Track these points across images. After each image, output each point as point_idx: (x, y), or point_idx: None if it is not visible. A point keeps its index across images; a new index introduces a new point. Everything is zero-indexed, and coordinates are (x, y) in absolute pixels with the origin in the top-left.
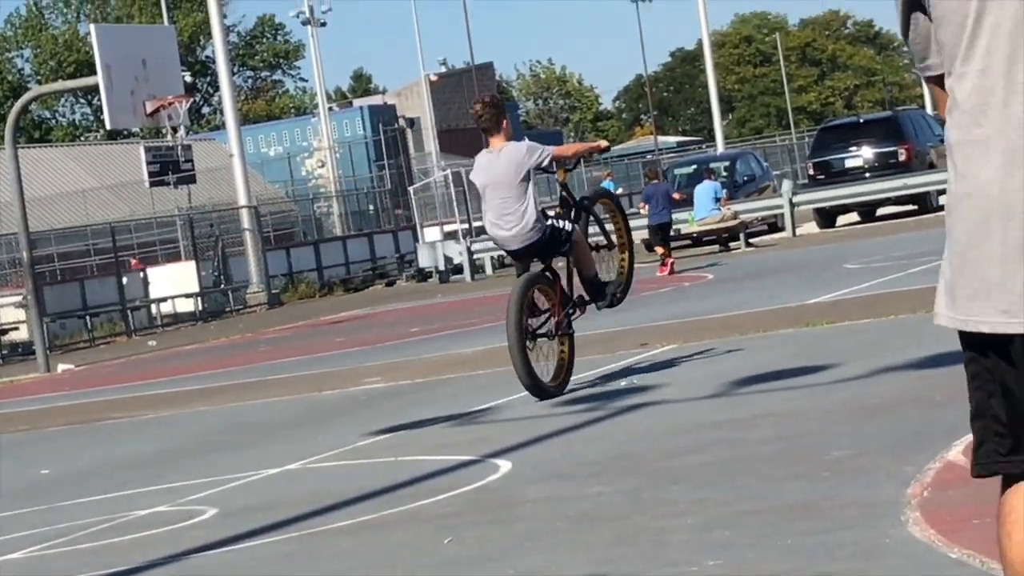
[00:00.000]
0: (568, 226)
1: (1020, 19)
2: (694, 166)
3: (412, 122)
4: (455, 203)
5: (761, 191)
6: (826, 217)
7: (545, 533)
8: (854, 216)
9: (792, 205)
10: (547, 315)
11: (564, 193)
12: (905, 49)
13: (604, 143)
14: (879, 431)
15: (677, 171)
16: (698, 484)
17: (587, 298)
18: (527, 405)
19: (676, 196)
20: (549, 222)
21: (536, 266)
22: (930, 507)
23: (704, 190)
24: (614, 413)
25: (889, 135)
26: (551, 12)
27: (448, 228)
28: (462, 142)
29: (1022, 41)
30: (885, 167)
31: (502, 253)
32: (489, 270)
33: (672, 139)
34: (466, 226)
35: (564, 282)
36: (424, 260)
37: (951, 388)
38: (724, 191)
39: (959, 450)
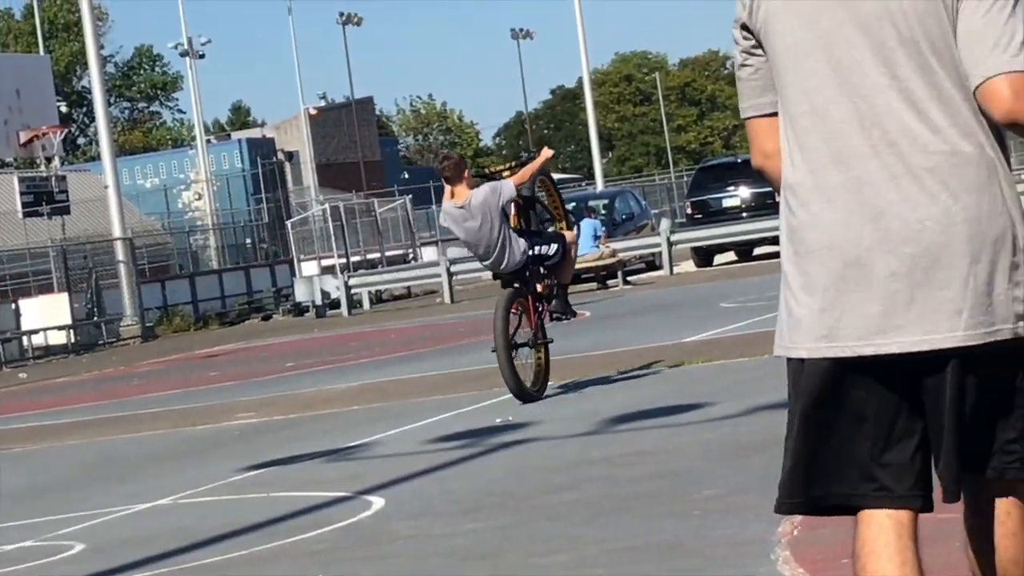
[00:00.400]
0: (552, 250)
1: (839, 63)
2: (573, 204)
3: (291, 156)
4: (333, 237)
5: (640, 229)
6: (703, 256)
7: (417, 570)
8: (731, 255)
9: (670, 244)
10: (523, 326)
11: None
12: None
13: (550, 151)
14: (751, 470)
15: None
16: (571, 522)
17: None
18: (400, 442)
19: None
20: (533, 250)
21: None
22: (800, 546)
23: (583, 228)
24: (489, 450)
25: None
26: (432, 48)
27: (326, 262)
28: (341, 176)
29: (841, 78)
30: (762, 207)
31: (380, 288)
32: (366, 305)
33: (553, 176)
34: (343, 260)
35: (533, 297)
36: (301, 294)
37: None
38: (603, 229)
39: None
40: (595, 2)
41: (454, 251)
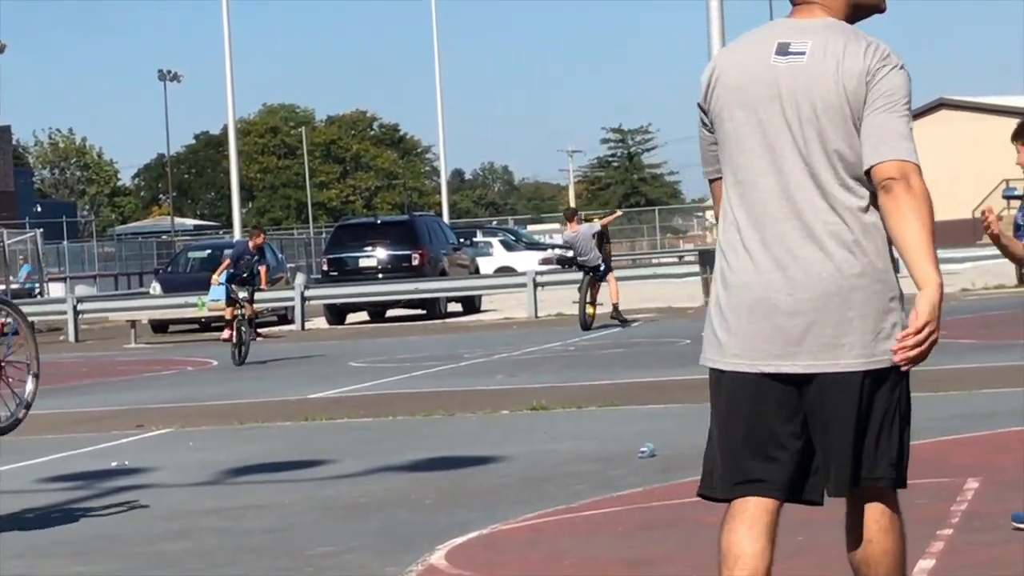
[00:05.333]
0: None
1: (770, 147)
2: (208, 251)
3: None
4: None
5: (274, 282)
6: (336, 313)
7: None
8: (364, 315)
9: (304, 299)
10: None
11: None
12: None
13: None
14: (367, 530)
15: (191, 254)
16: (181, 570)
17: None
18: (12, 479)
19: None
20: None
21: None
22: None
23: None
24: (102, 493)
25: (404, 239)
26: (76, 81)
27: None
28: None
29: (769, 158)
30: (398, 269)
31: None
32: None
33: (190, 221)
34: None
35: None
36: None
37: (442, 491)
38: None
39: (442, 554)
40: (246, 50)
41: (82, 289)
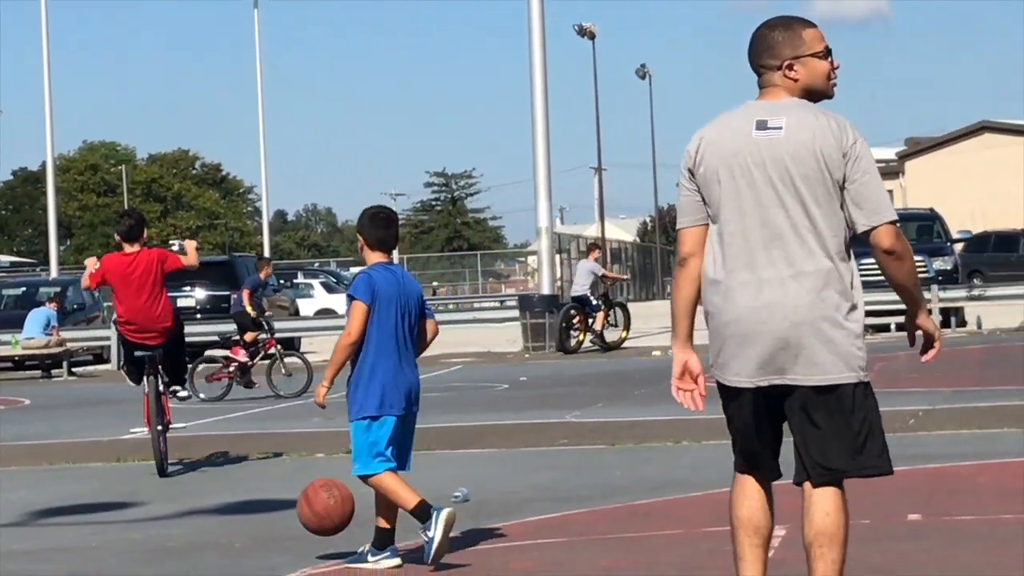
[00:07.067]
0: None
1: (758, 203)
2: (24, 288)
3: None
4: None
5: (90, 320)
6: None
7: None
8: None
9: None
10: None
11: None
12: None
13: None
14: (174, 574)
15: (6, 291)
16: None
17: None
18: None
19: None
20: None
21: None
22: None
23: (35, 316)
24: None
25: (224, 279)
26: None
27: None
28: None
29: (755, 214)
30: (217, 310)
31: None
32: None
33: (6, 258)
34: None
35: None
36: None
37: (253, 536)
38: (56, 317)
39: None
40: (66, 86)
41: None
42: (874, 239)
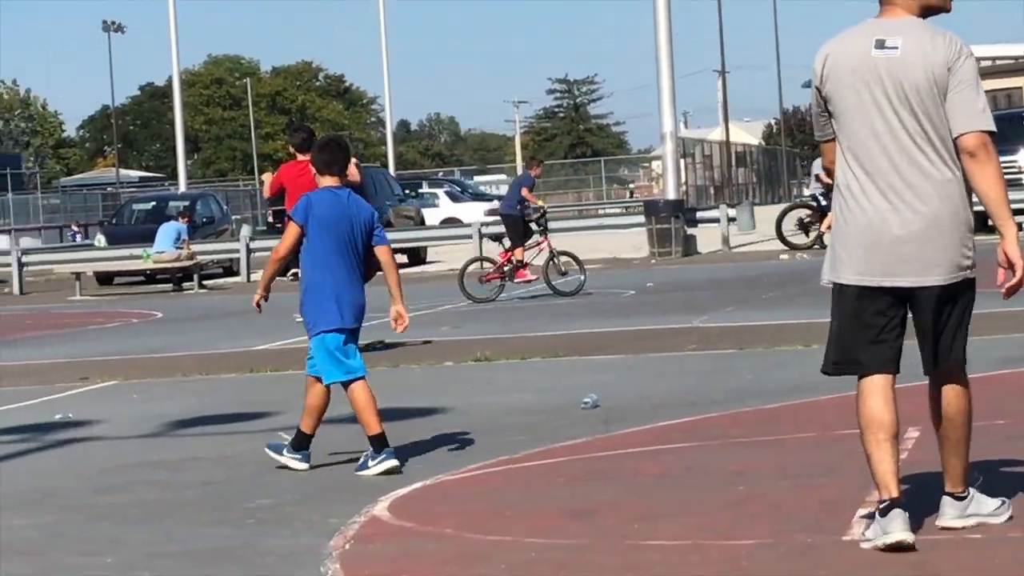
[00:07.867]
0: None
1: (880, 116)
2: (153, 203)
3: None
4: None
5: (219, 234)
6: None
7: None
8: None
9: (249, 251)
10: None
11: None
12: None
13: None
14: (308, 481)
15: (136, 206)
16: (120, 523)
17: None
18: None
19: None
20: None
21: None
22: (351, 559)
23: (165, 230)
24: (44, 446)
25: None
26: (20, 32)
27: None
28: None
29: (876, 127)
30: None
31: None
32: None
33: (135, 173)
34: None
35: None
36: None
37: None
38: (186, 232)
39: (384, 506)
40: (189, 2)
41: (27, 241)
42: (960, 144)
